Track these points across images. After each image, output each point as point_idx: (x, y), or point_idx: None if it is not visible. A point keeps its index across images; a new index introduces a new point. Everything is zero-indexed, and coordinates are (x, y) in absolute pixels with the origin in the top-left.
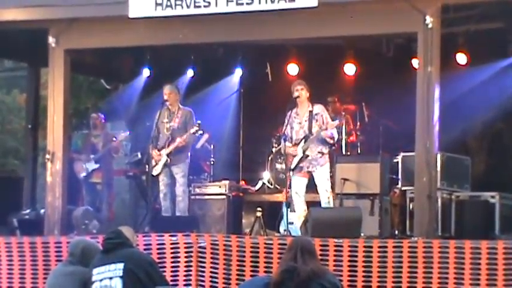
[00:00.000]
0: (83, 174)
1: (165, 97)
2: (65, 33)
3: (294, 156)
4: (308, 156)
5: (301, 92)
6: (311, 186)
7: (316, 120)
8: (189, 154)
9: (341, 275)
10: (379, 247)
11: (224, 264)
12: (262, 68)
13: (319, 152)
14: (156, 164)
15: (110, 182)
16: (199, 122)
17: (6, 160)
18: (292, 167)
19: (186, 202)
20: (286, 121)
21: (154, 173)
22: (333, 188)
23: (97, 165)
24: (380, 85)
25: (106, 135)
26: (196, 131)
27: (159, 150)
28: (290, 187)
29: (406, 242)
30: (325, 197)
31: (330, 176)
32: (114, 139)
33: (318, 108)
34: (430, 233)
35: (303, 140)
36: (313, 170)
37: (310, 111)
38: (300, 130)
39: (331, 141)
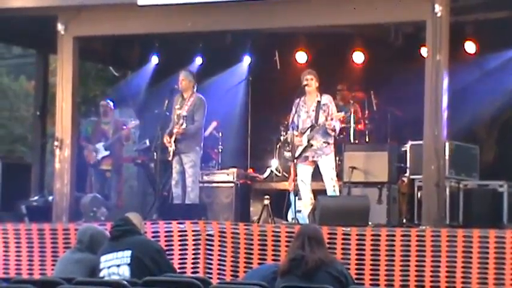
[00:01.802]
0: (93, 161)
1: (178, 83)
2: (73, 21)
3: (299, 145)
4: (312, 145)
5: (310, 81)
6: (318, 175)
7: (324, 111)
8: (201, 143)
9: (349, 264)
10: (387, 235)
11: (232, 252)
12: (270, 55)
13: (324, 142)
14: (170, 150)
15: (120, 169)
16: (185, 113)
17: (14, 147)
18: (296, 155)
19: (197, 192)
20: (293, 109)
21: (170, 158)
22: (340, 176)
23: (107, 152)
24: (388, 73)
25: (116, 122)
26: (182, 124)
27: (170, 137)
28: (296, 175)
29: (414, 230)
30: (331, 186)
31: (338, 164)
32: (124, 127)
33: (326, 99)
34: (438, 222)
35: (309, 130)
36: (318, 160)
37: (318, 102)
38: (307, 119)
39: (333, 133)
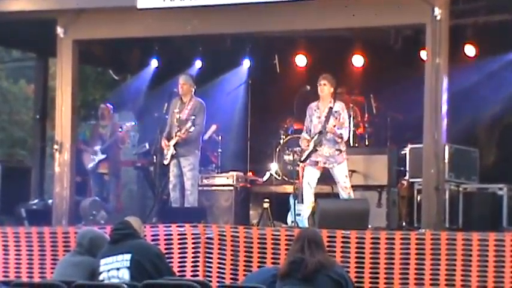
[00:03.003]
0: (91, 165)
1: (179, 87)
2: (73, 24)
3: (306, 150)
4: (317, 150)
5: (323, 87)
6: (321, 179)
7: (336, 118)
8: (200, 147)
9: (348, 267)
10: (387, 239)
11: (231, 255)
12: (270, 59)
13: (336, 150)
14: (167, 153)
15: (117, 172)
16: (193, 117)
17: (14, 150)
18: (302, 158)
19: (196, 195)
20: (307, 113)
21: (165, 162)
22: None
23: (104, 156)
24: (388, 77)
25: (113, 125)
26: (190, 127)
27: (168, 141)
28: (301, 178)
29: (414, 233)
30: (346, 194)
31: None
32: (120, 130)
33: (338, 106)
34: (437, 225)
35: (317, 135)
36: (330, 167)
37: (331, 108)
38: (318, 125)
39: (339, 140)
